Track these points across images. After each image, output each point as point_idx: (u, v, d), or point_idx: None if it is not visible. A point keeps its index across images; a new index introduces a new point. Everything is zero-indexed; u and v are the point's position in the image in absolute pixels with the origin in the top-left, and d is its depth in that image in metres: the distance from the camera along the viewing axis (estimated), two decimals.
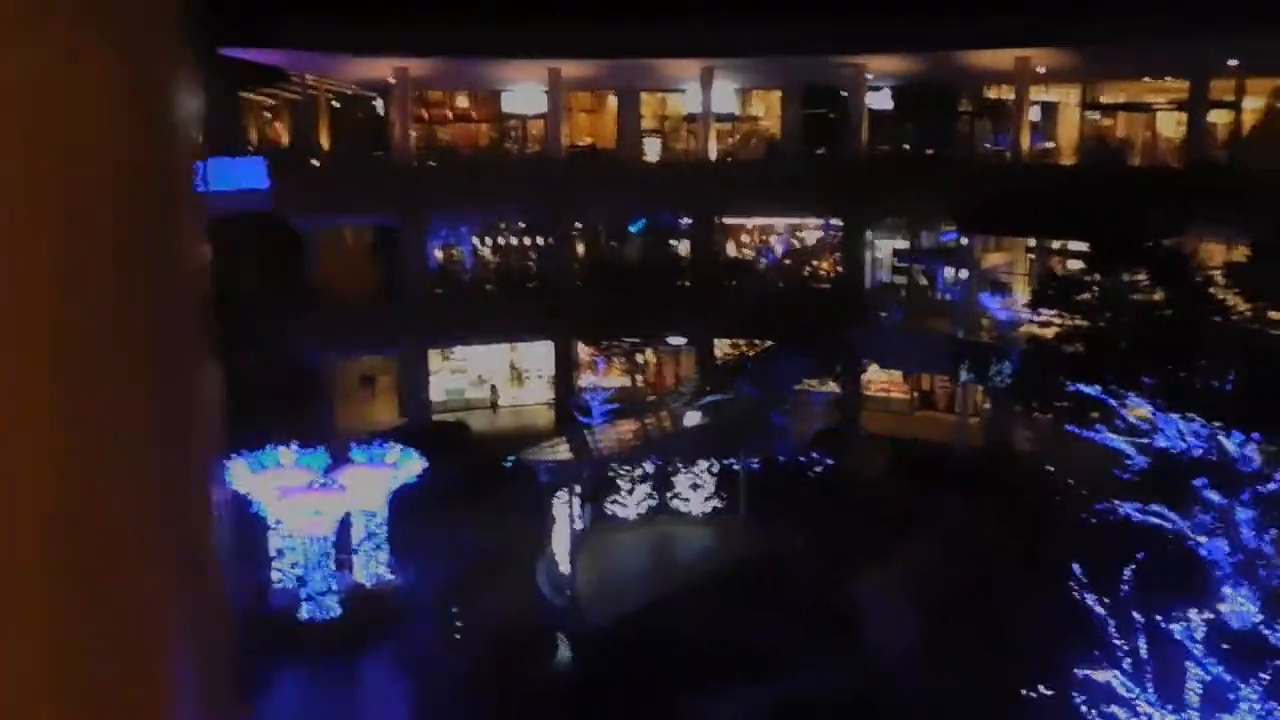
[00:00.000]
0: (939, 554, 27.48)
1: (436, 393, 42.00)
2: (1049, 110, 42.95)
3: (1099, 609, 14.95)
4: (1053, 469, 24.29)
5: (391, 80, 38.39)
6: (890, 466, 35.30)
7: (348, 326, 38.64)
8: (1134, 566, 15.35)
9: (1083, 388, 20.90)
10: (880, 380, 41.40)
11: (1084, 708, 14.68)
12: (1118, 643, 14.38)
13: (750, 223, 43.67)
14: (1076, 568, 15.41)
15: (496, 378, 43.93)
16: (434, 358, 42.78)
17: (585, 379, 34.98)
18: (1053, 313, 25.73)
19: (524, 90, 42.82)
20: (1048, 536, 22.70)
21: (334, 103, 49.84)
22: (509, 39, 36.43)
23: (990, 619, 22.40)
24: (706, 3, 39.36)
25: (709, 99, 39.97)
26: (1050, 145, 42.39)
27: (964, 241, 34.64)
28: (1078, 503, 23.07)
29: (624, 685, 23.17)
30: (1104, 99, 42.26)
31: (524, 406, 43.20)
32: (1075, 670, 14.94)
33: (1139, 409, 20.75)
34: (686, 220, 42.03)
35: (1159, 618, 14.17)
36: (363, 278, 42.67)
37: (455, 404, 42.53)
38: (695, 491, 31.63)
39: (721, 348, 41.15)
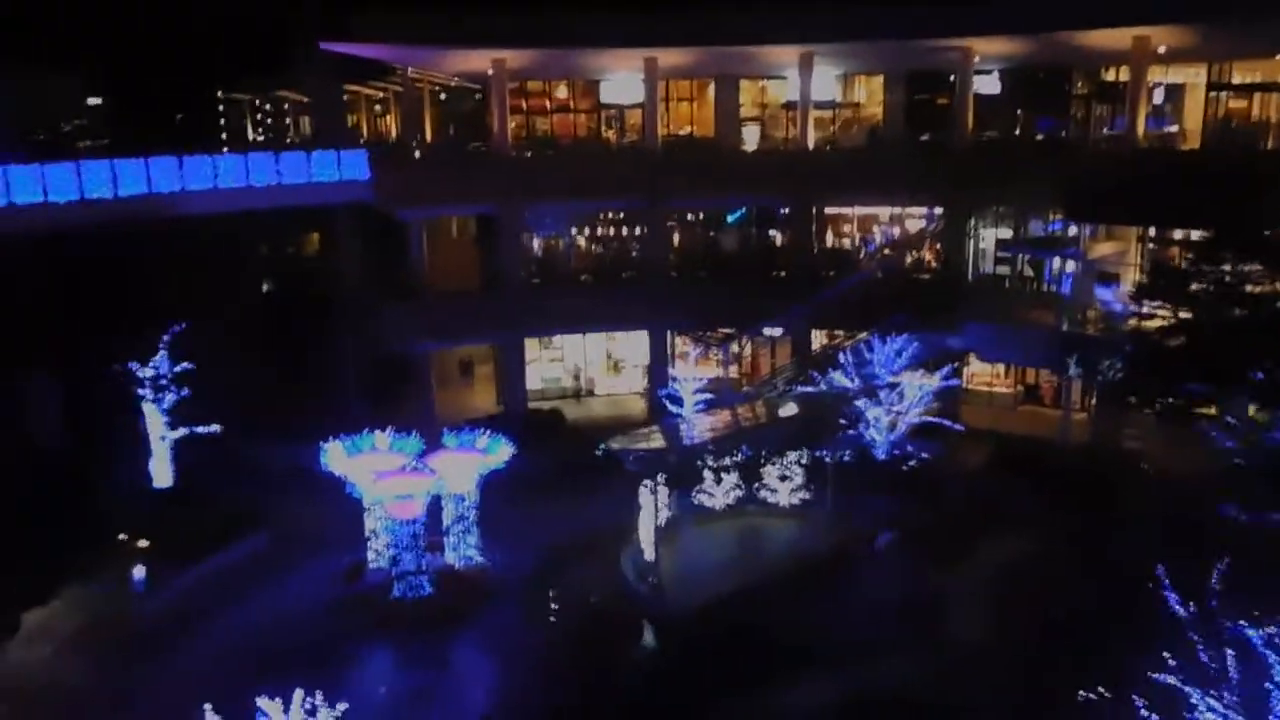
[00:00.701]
0: (1029, 552, 26.66)
1: (533, 381, 42.55)
2: (1174, 92, 40.96)
3: (1180, 611, 14.25)
4: (1152, 468, 23.14)
5: (489, 72, 38.88)
6: (988, 461, 34.37)
7: (448, 316, 39.50)
8: (1222, 569, 14.50)
9: (1186, 385, 19.87)
10: (984, 373, 40.29)
11: (1145, 711, 14.04)
12: (1196, 647, 13.71)
13: (851, 212, 42.85)
14: (1161, 569, 14.66)
15: (593, 367, 44.30)
16: (532, 346, 43.39)
17: (679, 369, 34.88)
18: (1157, 305, 24.56)
19: (622, 79, 42.92)
20: (1142, 537, 21.76)
21: (442, 95, 51.01)
22: (604, 28, 36.49)
23: (1069, 619, 21.67)
24: None
25: (808, 85, 39.36)
26: (1174, 129, 40.42)
27: (1072, 231, 33.31)
28: (1178, 503, 22.01)
29: (701, 673, 23.25)
30: (1235, 79, 40.03)
31: (620, 396, 43.44)
32: (1144, 674, 14.28)
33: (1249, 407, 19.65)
34: (785, 210, 41.49)
35: (1242, 623, 13.41)
36: (464, 268, 43.49)
37: (552, 392, 43.05)
38: (783, 483, 31.30)
39: (821, 338, 40.59)
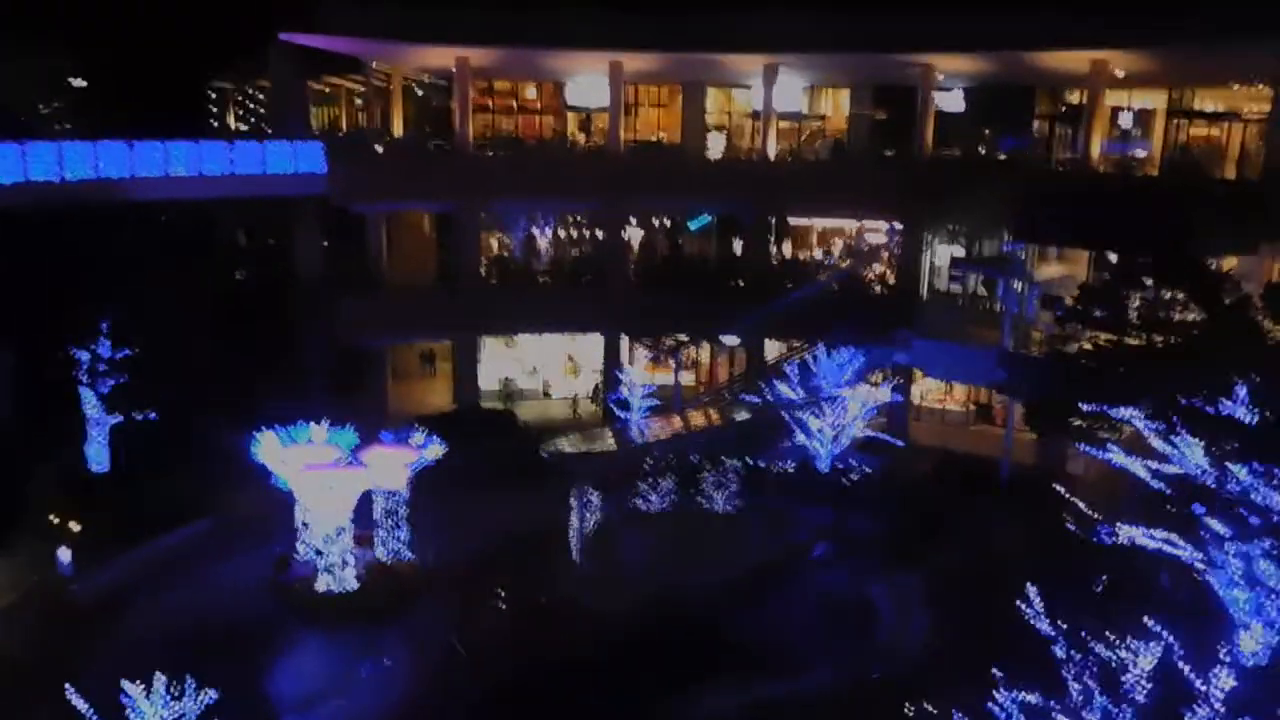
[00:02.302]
0: (947, 564, 26.84)
1: (490, 380, 42.67)
2: (1144, 117, 41.21)
3: (1047, 630, 14.50)
4: (1075, 489, 23.28)
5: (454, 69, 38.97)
6: (929, 477, 34.51)
7: (404, 311, 39.62)
8: (1100, 588, 14.67)
9: (1089, 406, 20.04)
10: (936, 391, 40.46)
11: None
12: (1060, 664, 13.95)
13: (811, 223, 43.04)
14: (1033, 588, 14.88)
15: (551, 368, 44.37)
16: (496, 345, 43.54)
17: (632, 373, 34.95)
18: (1077, 328, 24.72)
19: (589, 82, 43.02)
20: (1051, 555, 21.94)
21: (419, 91, 51.05)
22: (567, 29, 36.57)
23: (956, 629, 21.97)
24: None
25: (770, 95, 39.53)
26: (1142, 154, 40.66)
27: (1021, 251, 33.50)
28: (1092, 524, 22.08)
29: (609, 675, 23.36)
30: (1198, 105, 40.29)
31: (577, 398, 43.48)
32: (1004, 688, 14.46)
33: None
34: (747, 219, 41.62)
35: (1101, 646, 13.58)
36: (423, 264, 43.55)
37: (508, 391, 43.09)
38: (719, 490, 31.37)
39: (778, 348, 40.71)
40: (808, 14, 36.81)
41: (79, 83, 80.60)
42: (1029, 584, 15.64)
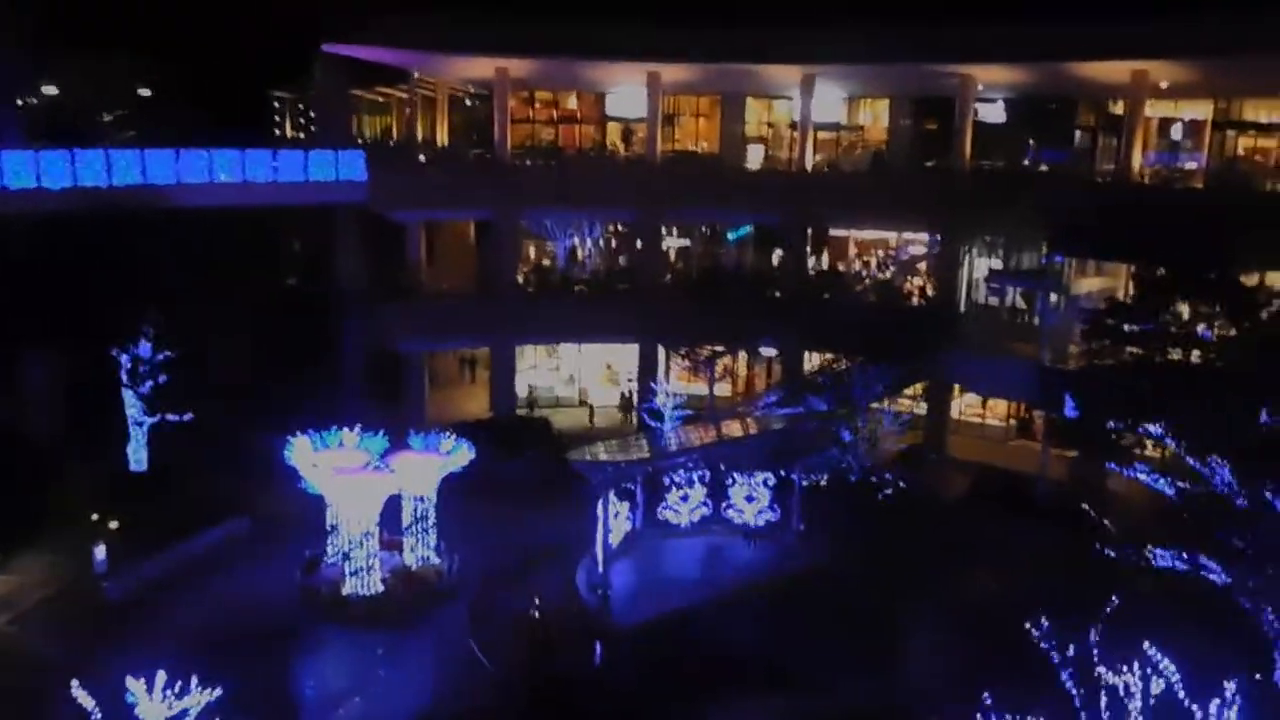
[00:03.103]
0: (983, 584, 26.42)
1: (526, 388, 42.96)
2: (1193, 128, 40.37)
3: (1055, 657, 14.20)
4: (1101, 506, 22.82)
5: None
6: (965, 493, 34.05)
7: (441, 318, 39.98)
8: (1109, 611, 14.40)
9: (1117, 424, 19.66)
10: (975, 405, 39.90)
11: None
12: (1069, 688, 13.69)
13: (850, 234, 42.74)
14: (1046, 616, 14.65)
15: (589, 377, 44.52)
16: (537, 353, 43.86)
17: (668, 383, 34.97)
18: (1105, 343, 24.20)
19: (629, 93, 43.20)
20: (1078, 579, 21.51)
21: (467, 101, 51.67)
22: (606, 40, 36.78)
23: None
24: (810, 8, 38.81)
25: (808, 106, 39.38)
26: (1192, 166, 39.82)
27: (1059, 264, 32.99)
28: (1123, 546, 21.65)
29: (633, 688, 23.37)
30: (1248, 116, 39.34)
31: (612, 407, 43.58)
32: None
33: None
34: (784, 229, 41.43)
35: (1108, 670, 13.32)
36: (462, 271, 43.98)
37: (545, 400, 43.34)
38: (749, 504, 31.26)
39: (816, 360, 40.42)
40: (845, 25, 36.71)
41: (145, 92, 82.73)
42: (1042, 610, 15.40)
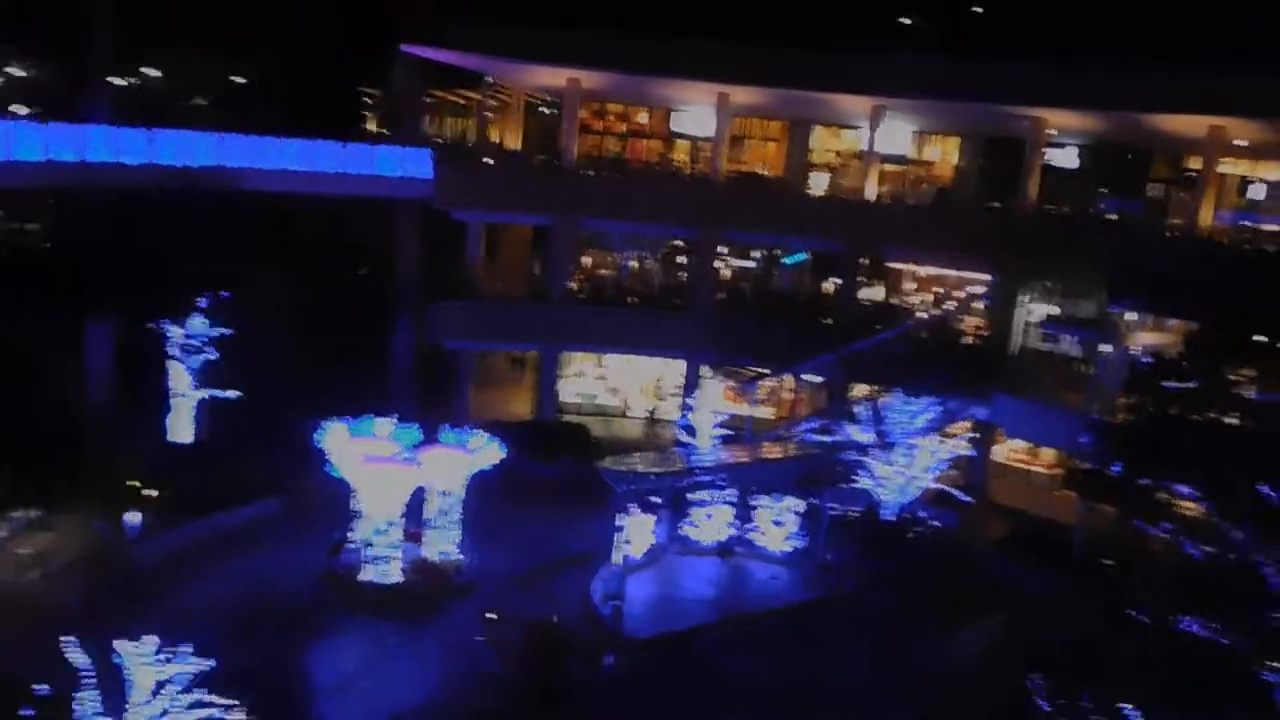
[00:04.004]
0: (1007, 634, 25.94)
1: (570, 394, 43.33)
2: (1276, 189, 39.27)
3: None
4: (1126, 564, 22.27)
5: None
6: (1001, 539, 33.42)
7: (492, 319, 40.49)
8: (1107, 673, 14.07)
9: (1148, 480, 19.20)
10: (1022, 451, 39.16)
11: None
12: None
13: (907, 268, 42.35)
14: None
15: (634, 389, 44.70)
16: (586, 361, 44.22)
17: (706, 401, 34.89)
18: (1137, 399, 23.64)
19: (696, 111, 43.41)
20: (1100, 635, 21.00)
21: (544, 110, 52.42)
22: (677, 58, 37.01)
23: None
24: (886, 41, 38.71)
25: (874, 137, 39.17)
26: (1275, 229, 38.70)
27: (1116, 316, 32.29)
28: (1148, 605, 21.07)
29: (634, 701, 23.44)
30: None
31: (658, 421, 43.65)
32: None
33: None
34: (842, 258, 41.21)
35: None
36: (517, 274, 44.53)
37: (587, 408, 43.62)
38: (776, 528, 31.08)
39: (863, 391, 40.04)
40: (918, 59, 36.48)
41: (240, 80, 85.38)
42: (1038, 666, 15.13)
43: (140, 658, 14.67)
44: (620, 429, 42.25)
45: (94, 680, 14.75)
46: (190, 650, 15.23)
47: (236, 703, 15.50)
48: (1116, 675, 17.56)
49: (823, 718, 23.41)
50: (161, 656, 14.76)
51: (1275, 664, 18.03)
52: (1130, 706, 13.28)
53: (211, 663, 15.38)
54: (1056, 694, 14.19)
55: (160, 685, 15.03)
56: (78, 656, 14.73)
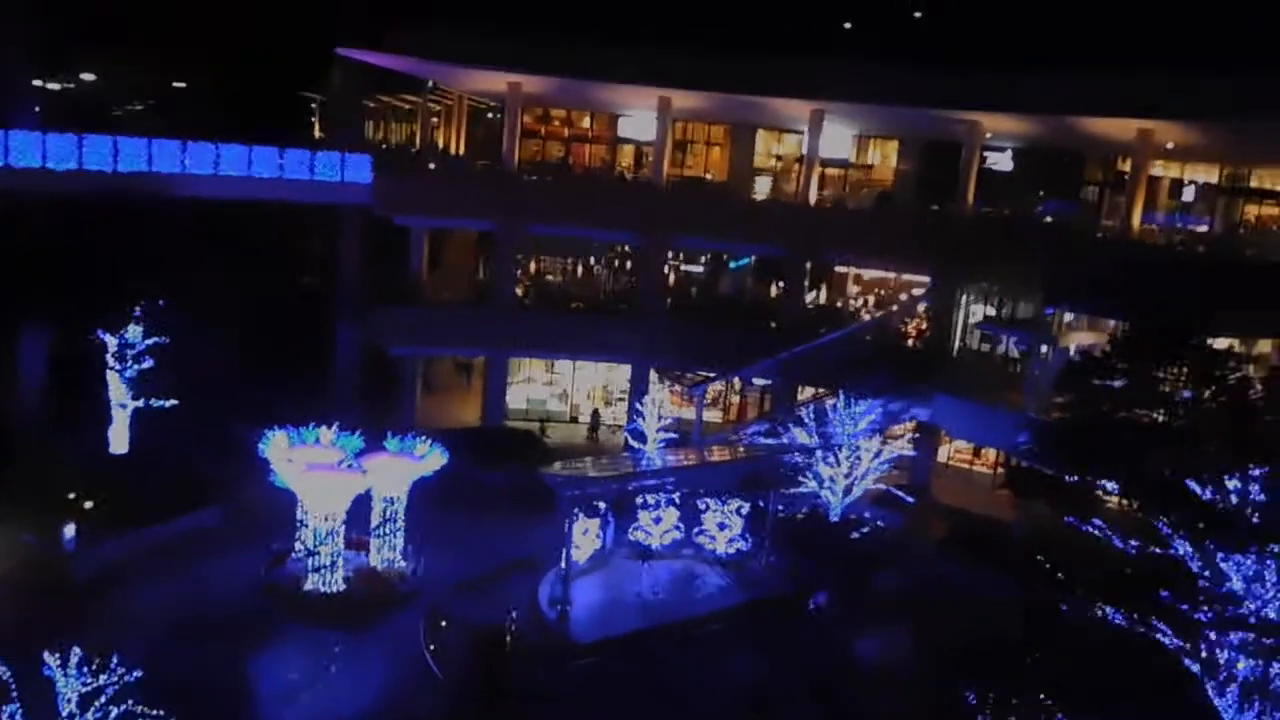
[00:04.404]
0: (937, 628, 26.28)
1: (519, 400, 43.17)
2: (1205, 192, 40.27)
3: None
4: (1060, 560, 22.69)
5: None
6: (941, 537, 33.84)
7: (437, 325, 40.26)
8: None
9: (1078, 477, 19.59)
10: (965, 451, 39.76)
11: None
12: None
13: (850, 271, 42.84)
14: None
15: (582, 394, 44.64)
16: (536, 368, 44.10)
17: (649, 406, 34.99)
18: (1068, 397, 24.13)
19: (641, 116, 43.54)
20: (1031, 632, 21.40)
21: (489, 114, 52.20)
22: (616, 63, 37.07)
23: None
24: (825, 45, 39.13)
25: (815, 141, 39.56)
26: (1201, 229, 39.70)
27: (1052, 316, 32.94)
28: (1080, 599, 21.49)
29: (578, 704, 23.43)
30: (1258, 183, 39.17)
31: (606, 426, 43.60)
32: None
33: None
34: (785, 261, 41.54)
35: None
36: (463, 279, 44.28)
37: (536, 413, 43.46)
38: (721, 531, 31.21)
39: (809, 393, 40.39)
40: (856, 64, 36.90)
41: (180, 85, 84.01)
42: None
43: (68, 670, 14.38)
44: (569, 434, 42.17)
45: (16, 694, 14.44)
46: (117, 662, 14.94)
47: (163, 714, 15.21)
48: (1046, 676, 17.94)
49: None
50: (89, 669, 14.48)
51: (1199, 656, 18.47)
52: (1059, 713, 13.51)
53: (138, 673, 15.10)
54: (985, 697, 14.38)
55: (89, 698, 14.77)
56: (2, 671, 14.41)
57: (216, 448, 32.50)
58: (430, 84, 43.89)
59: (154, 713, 15.00)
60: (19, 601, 24.72)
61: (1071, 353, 32.42)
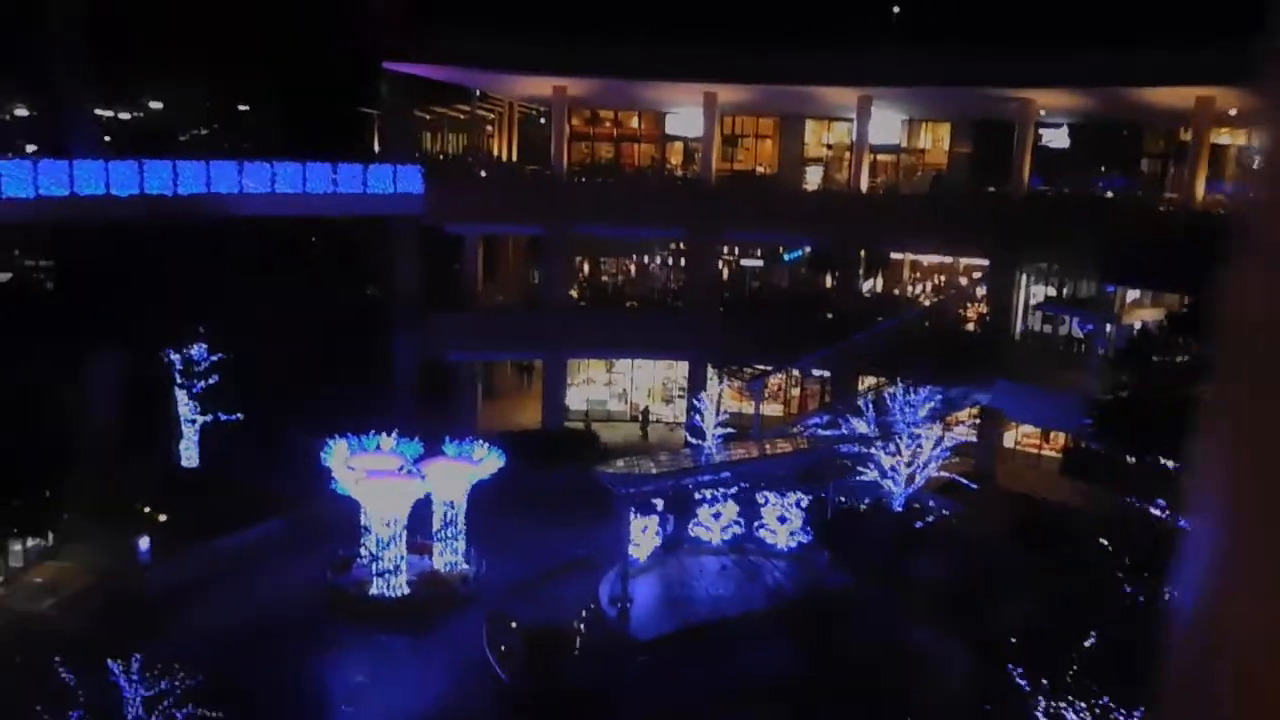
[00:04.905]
0: (1007, 625, 25.69)
1: (579, 401, 43.39)
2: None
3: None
4: (1129, 545, 22.07)
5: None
6: (1009, 526, 33.13)
7: (492, 330, 40.73)
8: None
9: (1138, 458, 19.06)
10: (1033, 436, 38.92)
11: None
12: None
13: (905, 258, 42.25)
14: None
15: (639, 393, 44.72)
16: (597, 368, 44.33)
17: (707, 401, 34.88)
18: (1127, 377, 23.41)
19: (688, 112, 43.47)
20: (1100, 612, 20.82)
21: (542, 120, 52.59)
22: (662, 61, 37.01)
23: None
24: (870, 31, 38.66)
25: (865, 128, 39.10)
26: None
27: (1113, 294, 32.10)
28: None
29: (643, 702, 23.49)
30: None
31: (663, 423, 43.65)
32: None
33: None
34: (840, 251, 41.11)
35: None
36: (518, 284, 44.65)
37: (596, 414, 43.64)
38: (781, 525, 31.02)
39: (870, 383, 39.93)
40: (904, 48, 36.38)
41: (244, 107, 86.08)
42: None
43: (133, 677, 14.88)
44: (628, 433, 42.25)
45: (83, 702, 14.98)
46: (181, 669, 15.42)
47: (223, 717, 15.64)
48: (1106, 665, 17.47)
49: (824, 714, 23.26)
50: (152, 675, 14.97)
51: None
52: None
53: (199, 678, 15.56)
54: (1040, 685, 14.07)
55: (154, 704, 15.26)
56: (70, 679, 14.96)
57: (281, 459, 33.21)
58: (478, 92, 44.26)
59: (213, 715, 15.39)
60: (96, 613, 25.52)
61: (1135, 330, 31.50)
